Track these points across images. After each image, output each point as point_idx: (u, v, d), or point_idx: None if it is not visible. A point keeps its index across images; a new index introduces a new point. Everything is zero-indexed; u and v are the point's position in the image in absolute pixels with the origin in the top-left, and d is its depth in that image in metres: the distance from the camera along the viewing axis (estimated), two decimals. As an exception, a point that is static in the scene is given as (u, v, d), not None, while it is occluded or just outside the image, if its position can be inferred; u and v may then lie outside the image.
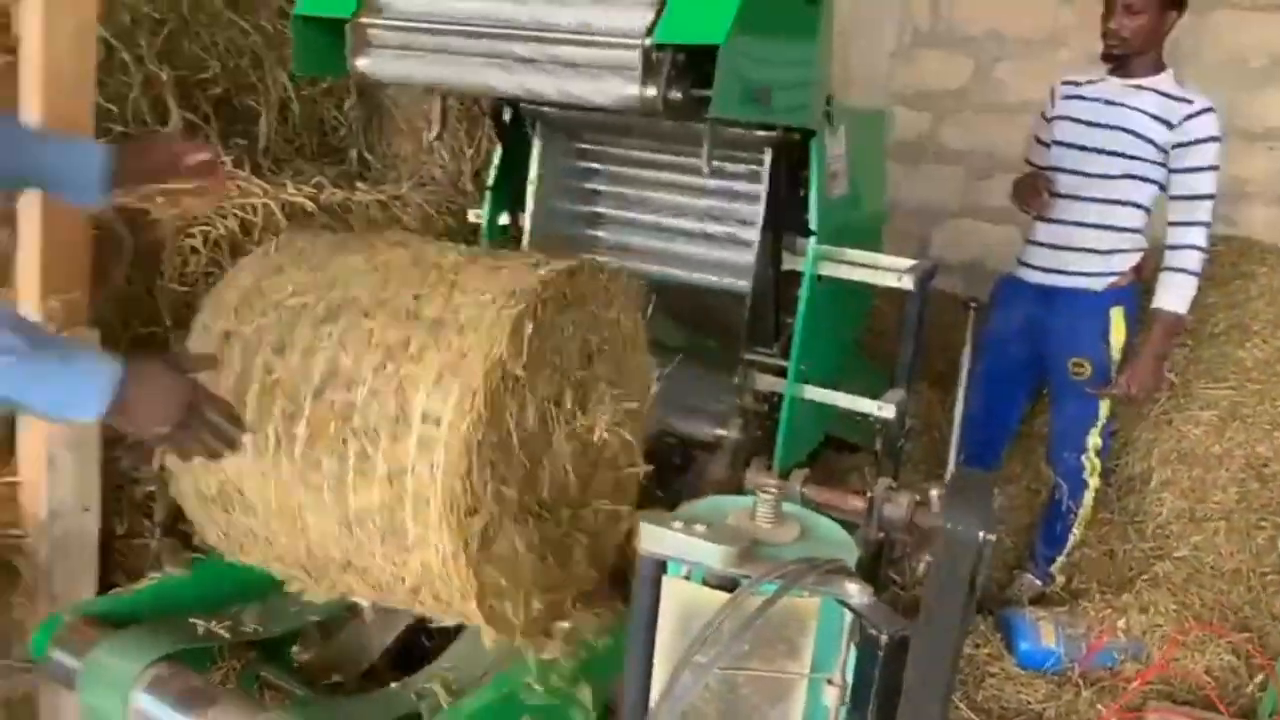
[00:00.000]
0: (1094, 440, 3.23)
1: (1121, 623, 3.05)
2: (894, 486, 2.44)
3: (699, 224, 2.89)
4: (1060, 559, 3.37)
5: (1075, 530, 3.32)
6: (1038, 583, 3.39)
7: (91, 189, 1.77)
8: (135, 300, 2.48)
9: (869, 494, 2.38)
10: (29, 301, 2.09)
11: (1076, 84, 3.25)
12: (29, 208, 2.08)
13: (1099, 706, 2.77)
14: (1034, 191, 3.14)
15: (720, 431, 2.61)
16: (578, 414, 1.92)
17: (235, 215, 2.67)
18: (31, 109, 2.03)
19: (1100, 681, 2.91)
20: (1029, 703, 2.87)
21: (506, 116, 2.84)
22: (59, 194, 1.83)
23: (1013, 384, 3.42)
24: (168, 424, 1.52)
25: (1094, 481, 3.27)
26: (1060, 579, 3.40)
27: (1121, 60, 3.12)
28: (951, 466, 3.09)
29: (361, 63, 2.13)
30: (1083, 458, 3.24)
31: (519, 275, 1.78)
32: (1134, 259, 3.15)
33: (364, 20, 2.10)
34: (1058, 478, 3.32)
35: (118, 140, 2.25)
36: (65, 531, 2.18)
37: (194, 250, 2.56)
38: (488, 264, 1.85)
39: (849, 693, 1.41)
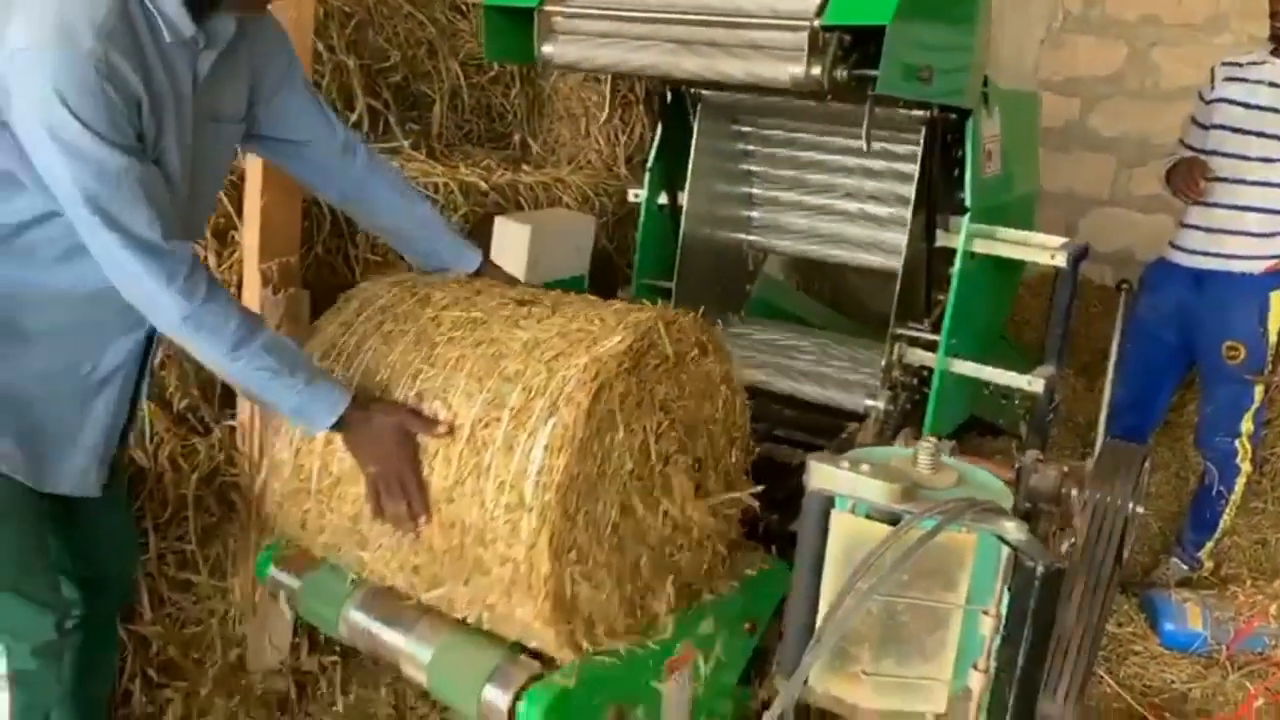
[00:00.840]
0: (1247, 425, 3.20)
1: (1273, 608, 3.03)
2: (1042, 458, 2.51)
3: (852, 203, 3.00)
4: (1209, 544, 3.35)
5: (1225, 516, 3.29)
6: (1184, 567, 3.37)
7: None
8: (332, 266, 2.73)
9: (1016, 465, 2.46)
10: (250, 262, 2.34)
11: (1238, 65, 3.22)
12: (252, 184, 2.33)
13: (1248, 685, 2.77)
14: (1190, 179, 3.12)
15: (870, 402, 2.71)
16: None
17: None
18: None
19: (1249, 665, 2.90)
20: (1172, 682, 2.88)
21: (667, 99, 2.99)
22: (423, 263, 2.17)
23: (1162, 369, 3.41)
24: (373, 464, 1.76)
25: (1246, 466, 3.24)
26: (1208, 564, 3.37)
27: (1283, 42, 3.08)
28: (1099, 447, 3.11)
29: (546, 49, 2.31)
30: (1236, 442, 3.22)
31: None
32: (1295, 242, 3.11)
33: (549, 8, 2.28)
34: (1208, 462, 3.30)
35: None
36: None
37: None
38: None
39: (1003, 624, 1.51)
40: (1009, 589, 1.57)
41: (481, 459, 1.69)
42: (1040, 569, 1.45)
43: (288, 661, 2.57)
